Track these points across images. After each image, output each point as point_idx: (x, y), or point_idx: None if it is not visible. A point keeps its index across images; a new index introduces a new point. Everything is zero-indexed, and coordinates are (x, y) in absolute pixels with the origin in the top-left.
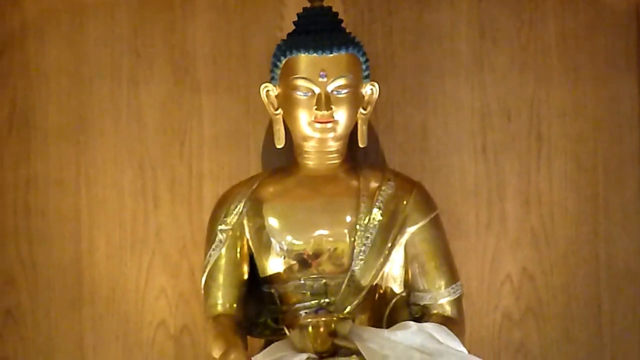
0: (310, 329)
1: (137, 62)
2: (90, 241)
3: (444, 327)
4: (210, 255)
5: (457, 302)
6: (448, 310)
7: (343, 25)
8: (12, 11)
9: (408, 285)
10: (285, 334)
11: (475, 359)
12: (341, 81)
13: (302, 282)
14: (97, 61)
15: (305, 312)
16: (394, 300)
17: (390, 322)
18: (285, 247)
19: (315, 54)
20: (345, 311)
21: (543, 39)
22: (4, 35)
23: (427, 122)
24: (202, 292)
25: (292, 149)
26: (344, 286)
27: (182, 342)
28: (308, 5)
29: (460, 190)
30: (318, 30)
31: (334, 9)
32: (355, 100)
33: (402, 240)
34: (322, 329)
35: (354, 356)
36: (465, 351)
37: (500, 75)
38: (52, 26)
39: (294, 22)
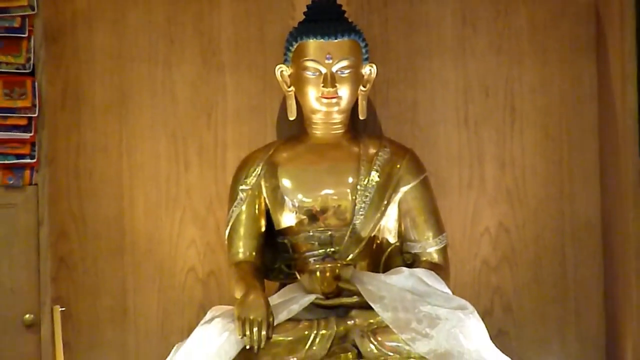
0: (318, 273)
1: (171, 47)
2: (131, 199)
3: (432, 272)
4: (232, 211)
5: (443, 251)
6: (435, 257)
7: (346, 15)
8: (65, 3)
9: (401, 236)
10: (296, 278)
11: (458, 299)
12: (344, 63)
13: (311, 233)
14: (137, 46)
15: (314, 260)
16: (389, 249)
17: (386, 268)
18: (296, 204)
19: (322, 40)
20: (348, 258)
21: (516, 26)
22: (58, 24)
23: (417, 97)
24: (226, 242)
25: (302, 120)
26: (346, 237)
27: (209, 286)
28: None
29: (446, 156)
30: (324, 20)
31: (337, 2)
32: (356, 79)
33: (396, 198)
34: (328, 274)
35: (355, 297)
36: (450, 293)
37: (479, 57)
38: (98, 16)
39: (304, 12)
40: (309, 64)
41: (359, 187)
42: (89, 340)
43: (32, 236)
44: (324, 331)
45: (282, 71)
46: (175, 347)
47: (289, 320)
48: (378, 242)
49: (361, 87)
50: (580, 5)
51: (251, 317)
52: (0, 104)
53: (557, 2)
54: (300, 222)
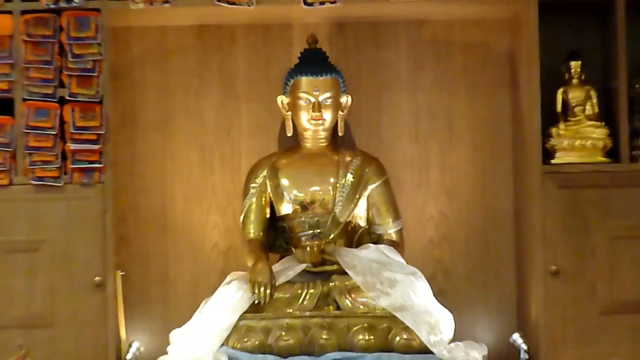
0: (308, 248)
1: (201, 82)
2: (171, 194)
3: (391, 247)
4: (245, 203)
5: (400, 232)
6: (394, 237)
7: (329, 59)
8: (124, 51)
9: (369, 221)
10: (292, 251)
11: (410, 267)
12: (327, 94)
13: (303, 219)
14: (176, 81)
15: (305, 238)
16: (360, 231)
17: (358, 244)
18: (292, 197)
19: (311, 77)
20: (330, 237)
21: (453, 68)
22: (119, 66)
23: (381, 120)
24: (241, 225)
25: (296, 136)
26: (329, 222)
27: (228, 257)
28: (307, 47)
29: (402, 163)
30: (313, 62)
31: (323, 50)
32: (336, 106)
33: (365, 194)
34: (315, 249)
35: (335, 265)
36: (404, 262)
37: (426, 90)
38: (148, 60)
39: (298, 57)
40: (302, 95)
41: (338, 185)
42: (141, 297)
43: (100, 221)
44: (312, 290)
45: (282, 100)
46: (203, 302)
47: (286, 282)
48: (352, 225)
49: (340, 112)
50: (499, 54)
51: (259, 280)
52: (77, 124)
53: (482, 51)
54: (295, 211)
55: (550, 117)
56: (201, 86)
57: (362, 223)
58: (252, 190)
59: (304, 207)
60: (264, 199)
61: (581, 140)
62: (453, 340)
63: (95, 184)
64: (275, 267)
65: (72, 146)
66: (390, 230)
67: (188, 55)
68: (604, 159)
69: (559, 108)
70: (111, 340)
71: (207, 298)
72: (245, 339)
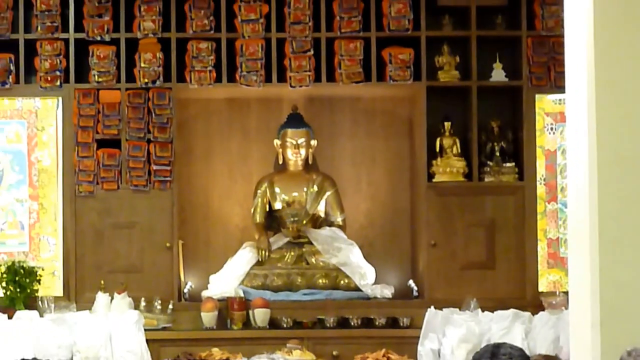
0: (290, 228)
1: (229, 129)
2: (211, 195)
3: (339, 229)
4: (255, 201)
5: (344, 221)
6: (341, 223)
7: (304, 119)
8: (185, 111)
9: (326, 213)
10: (281, 230)
11: (350, 241)
12: (302, 140)
13: (287, 212)
14: (214, 131)
15: (288, 222)
16: (320, 219)
17: (319, 227)
18: (281, 199)
19: (293, 129)
20: (303, 223)
21: (376, 124)
22: (183, 121)
23: (333, 154)
24: (252, 214)
25: (284, 163)
26: (303, 213)
27: (245, 233)
28: (291, 112)
29: (345, 180)
30: (295, 121)
31: (300, 113)
32: (308, 146)
33: (324, 197)
34: (294, 229)
35: (306, 238)
36: (346, 238)
37: (360, 138)
38: (199, 117)
39: (286, 117)
40: (288, 140)
41: (308, 192)
42: (193, 255)
43: (170, 210)
44: (292, 253)
45: (276, 142)
46: (229, 259)
47: (277, 248)
48: (316, 216)
49: (310, 150)
50: (403, 117)
51: (261, 247)
52: (157, 154)
53: (393, 115)
54: (283, 207)
55: (432, 154)
56: (229, 133)
57: (322, 215)
58: (258, 194)
59: (288, 204)
60: (265, 199)
61: (450, 168)
62: (374, 284)
63: (167, 189)
64: (271, 240)
65: (154, 167)
66: (339, 219)
67: (221, 115)
68: (462, 179)
69: (437, 149)
70: (175, 281)
71: (231, 257)
72: (253, 281)
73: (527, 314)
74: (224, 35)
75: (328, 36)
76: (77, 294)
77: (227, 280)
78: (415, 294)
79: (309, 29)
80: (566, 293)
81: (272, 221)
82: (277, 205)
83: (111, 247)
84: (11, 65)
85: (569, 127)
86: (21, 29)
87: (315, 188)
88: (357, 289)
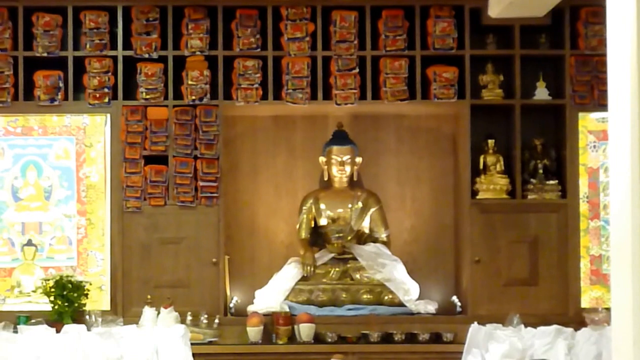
0: (335, 244)
1: (275, 148)
2: (257, 211)
3: (383, 245)
4: (300, 217)
5: (388, 237)
6: (385, 239)
7: (349, 136)
8: (232, 128)
9: (370, 230)
10: (326, 246)
11: (394, 257)
12: (347, 157)
13: (332, 228)
14: (260, 147)
15: (333, 239)
16: (365, 235)
17: (363, 243)
18: (327, 215)
19: (339, 147)
20: (348, 239)
21: (420, 142)
22: (229, 138)
23: (378, 172)
24: (297, 230)
25: (329, 180)
26: (347, 229)
27: (290, 249)
28: (336, 129)
29: (389, 197)
30: (340, 138)
31: (345, 130)
32: (353, 163)
33: (369, 214)
34: (339, 245)
35: (350, 255)
36: (390, 253)
37: (404, 155)
38: (245, 134)
39: (331, 135)
40: (333, 157)
41: (353, 208)
42: (239, 271)
43: (216, 226)
44: (337, 269)
45: (322, 159)
46: (274, 275)
47: (322, 264)
48: (361, 232)
49: (355, 167)
50: (447, 134)
51: (307, 262)
52: (204, 171)
53: (437, 132)
54: (328, 223)
55: (476, 172)
56: (275, 150)
57: (367, 231)
58: (304, 210)
59: (333, 221)
60: (310, 215)
61: (493, 185)
62: (418, 299)
63: (214, 205)
64: (316, 255)
65: (201, 184)
66: (383, 235)
67: (267, 132)
68: (506, 196)
69: (481, 166)
70: (221, 296)
71: (276, 272)
72: (298, 296)
73: (570, 330)
74: (271, 53)
75: (373, 54)
76: (124, 308)
77: (272, 296)
78: (458, 309)
79: (355, 47)
80: (608, 309)
81: (317, 237)
82: (322, 222)
83: (158, 262)
84: (60, 82)
85: (611, 145)
86: (70, 46)
87: (360, 204)
88: (401, 304)
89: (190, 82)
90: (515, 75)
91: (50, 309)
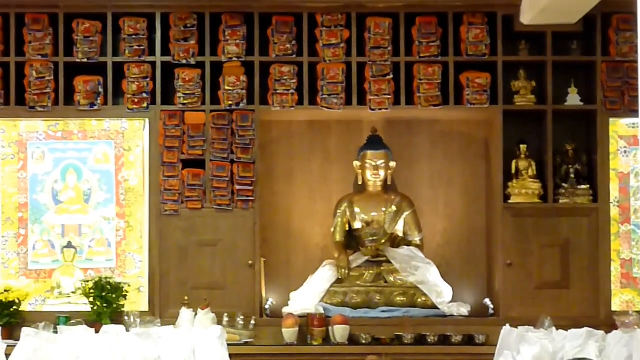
0: (369, 247)
1: (310, 152)
2: (292, 215)
3: (417, 248)
4: (335, 221)
5: (422, 240)
6: (418, 242)
7: (383, 141)
8: (268, 133)
9: (404, 233)
10: (360, 249)
11: (427, 260)
12: (382, 161)
13: (366, 231)
14: (296, 152)
15: (367, 242)
16: (398, 239)
17: (397, 246)
18: (361, 219)
19: (373, 151)
20: (382, 242)
21: (453, 147)
22: (265, 142)
23: (412, 176)
24: (332, 233)
25: (363, 184)
26: (382, 233)
27: (325, 252)
28: (371, 134)
29: (423, 201)
30: (374, 143)
31: (379, 135)
32: (387, 168)
33: (402, 217)
34: (373, 248)
35: (384, 258)
36: (424, 257)
37: (437, 160)
38: (281, 139)
39: (366, 139)
40: (368, 161)
41: (386, 212)
42: (274, 273)
43: (252, 229)
44: (371, 271)
45: (356, 164)
46: (309, 277)
47: (356, 267)
48: (395, 236)
49: (389, 171)
50: (479, 139)
51: (341, 265)
52: (240, 175)
53: (469, 137)
54: (362, 226)
55: (508, 176)
56: (310, 155)
57: (400, 234)
58: (338, 214)
59: (367, 224)
60: (345, 219)
61: (525, 190)
62: (451, 302)
63: (250, 209)
64: (351, 258)
65: (237, 187)
66: (416, 238)
67: (303, 137)
68: (538, 201)
69: (513, 171)
70: (257, 297)
71: (311, 274)
72: (333, 298)
73: (601, 332)
74: (306, 59)
75: (407, 60)
76: (162, 309)
77: (307, 297)
78: (491, 312)
79: (389, 53)
80: (639, 312)
81: (352, 240)
82: (357, 225)
83: (195, 264)
84: (99, 87)
85: None
86: (109, 52)
87: (394, 208)
88: (434, 306)
89: (227, 88)
90: (547, 81)
91: (90, 309)
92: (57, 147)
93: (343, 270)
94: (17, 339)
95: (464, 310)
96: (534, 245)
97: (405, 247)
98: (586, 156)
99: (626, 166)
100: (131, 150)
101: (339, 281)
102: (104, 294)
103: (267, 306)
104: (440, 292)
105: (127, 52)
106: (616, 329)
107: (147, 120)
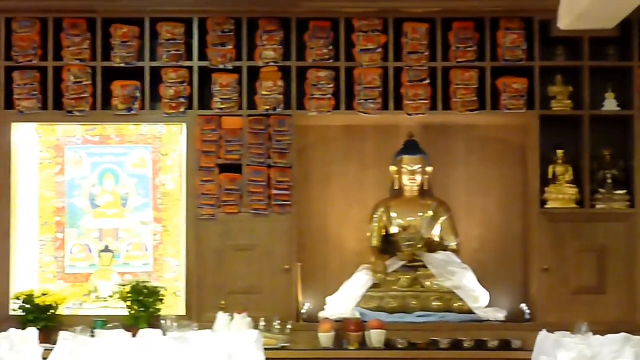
0: (405, 252)
1: (345, 157)
2: (329, 219)
3: (453, 253)
4: (371, 226)
5: (458, 245)
6: (455, 247)
7: (419, 146)
8: (304, 138)
9: (440, 238)
10: (396, 254)
11: (464, 265)
12: (418, 166)
13: (403, 236)
14: (332, 156)
15: (404, 247)
16: (435, 244)
17: (433, 251)
18: (397, 223)
19: (410, 156)
20: (418, 247)
21: (490, 152)
22: (302, 147)
23: (448, 181)
24: (368, 237)
25: (400, 188)
26: (418, 237)
27: (361, 256)
28: (407, 139)
29: (459, 206)
30: (411, 148)
31: (416, 140)
32: (423, 173)
33: (438, 222)
34: (410, 253)
35: (421, 263)
36: (460, 262)
37: (473, 165)
38: (317, 143)
39: (402, 144)
40: (404, 166)
41: (423, 217)
42: (311, 278)
43: (288, 234)
44: (407, 276)
45: (393, 168)
46: (345, 282)
47: (393, 271)
48: (431, 240)
49: (425, 176)
50: (516, 144)
51: (378, 270)
52: (277, 179)
53: (506, 142)
54: (399, 231)
55: (545, 181)
56: (346, 159)
57: (437, 239)
58: (375, 219)
59: (404, 229)
60: (381, 223)
61: (562, 195)
62: (487, 307)
63: (287, 213)
64: (387, 263)
65: (274, 192)
66: (453, 243)
67: (339, 142)
68: (575, 206)
69: (550, 176)
70: (293, 302)
71: (348, 279)
72: (369, 303)
73: (638, 338)
74: (343, 64)
75: (444, 66)
76: (199, 313)
77: (343, 302)
78: (527, 317)
79: (426, 58)
80: None
81: (388, 245)
82: (393, 230)
83: (231, 269)
84: (137, 92)
85: None
86: (147, 57)
87: (431, 213)
88: (471, 312)
89: (264, 93)
90: (584, 87)
91: (127, 313)
92: (95, 151)
93: (379, 275)
94: (54, 343)
95: (500, 315)
96: (570, 250)
97: (442, 252)
98: (623, 161)
99: None
100: (168, 155)
101: (375, 286)
102: (141, 298)
103: (303, 311)
104: (477, 297)
105: (164, 56)
106: None
107: (184, 124)
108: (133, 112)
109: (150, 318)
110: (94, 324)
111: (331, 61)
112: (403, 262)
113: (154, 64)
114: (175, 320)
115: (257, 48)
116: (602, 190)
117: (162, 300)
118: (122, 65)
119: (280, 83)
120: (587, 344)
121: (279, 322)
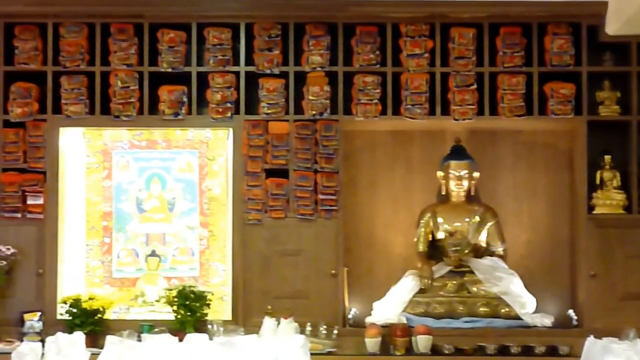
0: (452, 257)
1: (394, 162)
2: (375, 225)
3: (500, 259)
4: (418, 231)
5: (505, 251)
6: (502, 253)
7: (467, 151)
8: (351, 143)
9: (487, 243)
10: (443, 260)
11: (510, 270)
12: (465, 172)
13: (450, 241)
14: (379, 162)
15: (451, 252)
16: (482, 249)
17: (480, 257)
18: (444, 229)
19: (457, 162)
20: (465, 252)
21: (537, 158)
22: (348, 152)
23: (495, 187)
24: (415, 243)
25: (446, 194)
26: (465, 244)
27: (408, 261)
28: (454, 144)
29: (506, 211)
30: (458, 153)
31: (463, 145)
32: (470, 178)
33: (485, 228)
34: (456, 257)
35: (467, 267)
36: (507, 267)
37: (521, 170)
38: (364, 149)
39: (449, 150)
40: (451, 172)
41: (470, 222)
42: (357, 283)
43: (335, 238)
44: (454, 282)
45: (439, 174)
46: (392, 287)
47: (439, 277)
48: (478, 246)
49: (472, 181)
50: (563, 150)
51: (424, 275)
52: (324, 184)
53: (553, 148)
54: (445, 237)
55: (592, 187)
56: (393, 164)
57: (483, 244)
58: (421, 224)
59: (450, 234)
60: (428, 229)
61: (610, 201)
62: (534, 313)
63: (333, 218)
64: (434, 268)
65: (320, 197)
66: (500, 249)
67: (386, 147)
68: (622, 212)
69: (597, 182)
70: (340, 307)
71: (394, 284)
72: (416, 308)
73: None
74: (390, 69)
75: (491, 71)
76: (245, 318)
77: (390, 307)
78: (574, 323)
79: (473, 63)
80: None
81: (435, 250)
82: (440, 235)
83: (278, 273)
84: (184, 97)
85: None
86: (194, 62)
87: (477, 218)
88: (518, 317)
89: (310, 98)
90: (632, 92)
91: (173, 318)
92: (142, 156)
93: (426, 281)
94: (101, 347)
95: (547, 321)
96: (618, 256)
97: (489, 257)
98: None
99: None
100: (215, 160)
101: (421, 291)
102: (187, 302)
103: (350, 316)
104: (524, 303)
105: (211, 61)
106: None
107: (230, 129)
108: (180, 117)
109: (196, 322)
110: (140, 328)
111: (378, 66)
112: (450, 268)
113: (201, 69)
114: (221, 324)
115: (303, 53)
116: None
117: (208, 304)
118: (169, 70)
119: (327, 88)
120: (635, 350)
121: (325, 327)
